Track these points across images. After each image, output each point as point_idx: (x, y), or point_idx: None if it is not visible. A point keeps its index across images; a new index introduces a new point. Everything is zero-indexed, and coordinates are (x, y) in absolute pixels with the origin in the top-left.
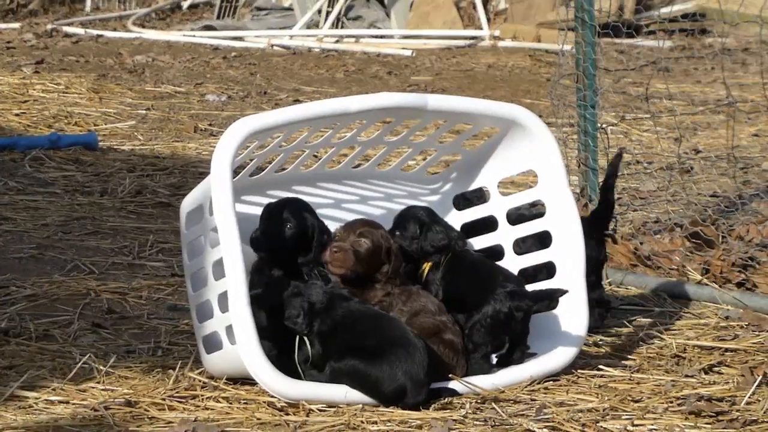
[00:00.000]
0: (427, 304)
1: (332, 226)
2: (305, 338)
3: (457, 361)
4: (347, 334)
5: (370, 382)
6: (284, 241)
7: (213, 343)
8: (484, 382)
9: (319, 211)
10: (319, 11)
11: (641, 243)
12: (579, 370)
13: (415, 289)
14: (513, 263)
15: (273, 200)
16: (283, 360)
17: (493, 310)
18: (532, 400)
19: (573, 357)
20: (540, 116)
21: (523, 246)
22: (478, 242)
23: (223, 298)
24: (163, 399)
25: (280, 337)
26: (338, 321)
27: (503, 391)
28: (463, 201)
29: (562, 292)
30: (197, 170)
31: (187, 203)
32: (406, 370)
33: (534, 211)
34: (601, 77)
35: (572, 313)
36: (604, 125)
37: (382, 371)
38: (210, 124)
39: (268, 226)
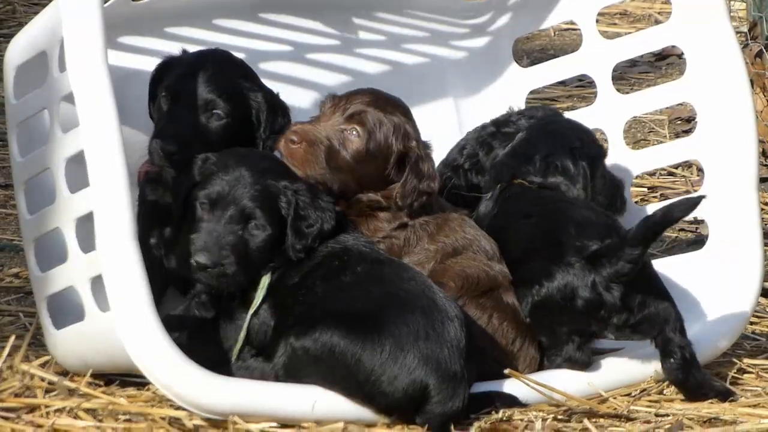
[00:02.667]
0: (478, 239)
1: (293, 96)
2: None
3: (521, 348)
4: (324, 288)
5: (362, 375)
6: (205, 138)
7: (67, 310)
8: (569, 382)
9: (264, 66)
10: None
11: None
12: (746, 360)
13: (455, 216)
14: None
15: (177, 49)
16: (198, 343)
17: (559, 292)
18: (659, 415)
19: (735, 336)
20: None
21: None
22: None
23: (85, 225)
24: None
25: (198, 297)
26: (313, 267)
27: (606, 400)
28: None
29: (693, 203)
30: None
31: (17, 51)
32: (428, 355)
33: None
34: None
35: (730, 256)
36: None
37: (384, 356)
38: None
39: (175, 111)
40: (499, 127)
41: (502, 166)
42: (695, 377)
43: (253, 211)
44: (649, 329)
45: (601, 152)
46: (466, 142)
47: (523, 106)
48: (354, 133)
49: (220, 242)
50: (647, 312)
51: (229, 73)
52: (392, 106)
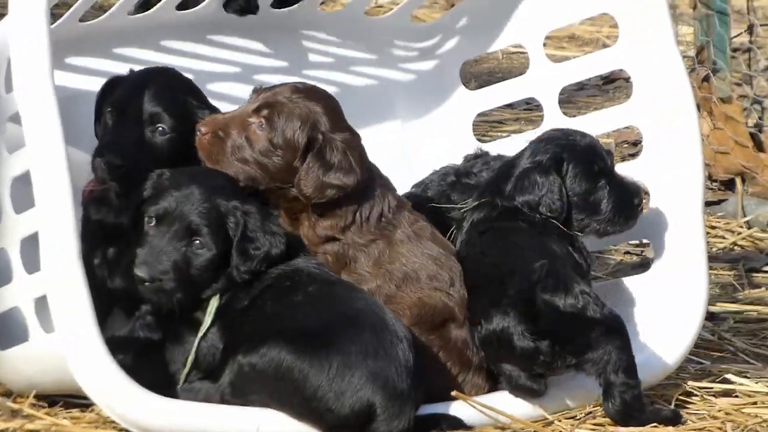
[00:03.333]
0: (434, 261)
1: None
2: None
3: (464, 380)
4: (274, 308)
5: (309, 391)
6: (150, 152)
7: (12, 330)
8: (515, 405)
9: (212, 87)
10: None
11: None
12: (691, 383)
13: (401, 236)
14: None
15: (125, 70)
16: (144, 364)
17: (496, 335)
18: None
19: (680, 359)
20: None
21: None
22: None
23: (30, 245)
24: None
25: (143, 316)
26: (263, 289)
27: (551, 422)
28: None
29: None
30: None
31: None
32: (376, 373)
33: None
34: None
35: (676, 280)
36: None
37: (332, 373)
38: None
39: (119, 125)
40: (460, 178)
41: (483, 188)
42: (637, 419)
43: (198, 229)
44: (592, 370)
45: (579, 162)
46: (429, 184)
47: (470, 129)
48: (260, 125)
49: (160, 257)
50: (587, 356)
51: (175, 89)
52: (309, 97)
